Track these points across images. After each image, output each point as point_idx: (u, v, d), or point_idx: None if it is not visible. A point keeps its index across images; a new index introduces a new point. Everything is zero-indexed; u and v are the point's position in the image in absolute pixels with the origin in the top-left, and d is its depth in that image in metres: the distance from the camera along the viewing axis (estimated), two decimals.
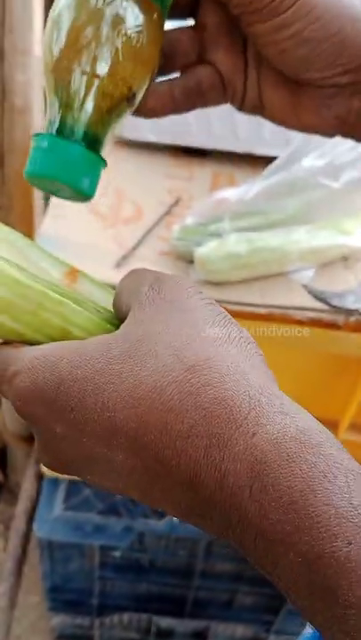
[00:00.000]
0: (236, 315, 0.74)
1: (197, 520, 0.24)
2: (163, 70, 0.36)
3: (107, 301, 0.34)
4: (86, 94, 0.31)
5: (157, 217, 0.83)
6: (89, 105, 0.31)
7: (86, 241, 0.78)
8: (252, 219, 0.74)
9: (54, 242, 0.77)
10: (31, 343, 0.30)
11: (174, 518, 0.94)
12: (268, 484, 0.21)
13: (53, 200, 0.85)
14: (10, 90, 0.86)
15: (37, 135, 0.32)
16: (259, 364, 0.25)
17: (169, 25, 0.35)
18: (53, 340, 0.30)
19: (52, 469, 0.29)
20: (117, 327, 0.30)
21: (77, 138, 0.31)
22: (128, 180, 0.89)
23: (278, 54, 0.32)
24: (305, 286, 0.74)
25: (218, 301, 0.84)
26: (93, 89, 0.31)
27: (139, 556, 1.00)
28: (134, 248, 0.78)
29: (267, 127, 0.92)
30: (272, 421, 0.22)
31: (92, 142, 0.32)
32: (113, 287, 0.33)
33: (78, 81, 0.31)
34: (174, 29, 0.36)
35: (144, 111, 0.36)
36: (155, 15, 0.32)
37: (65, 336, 0.30)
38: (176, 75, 0.37)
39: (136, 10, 0.31)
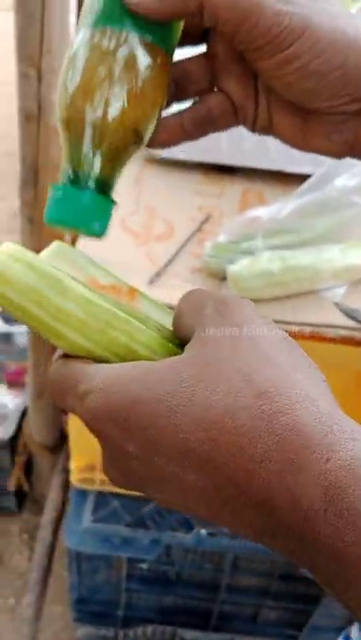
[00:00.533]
0: None
1: (269, 541, 0.25)
2: (175, 99, 0.37)
3: (164, 320, 0.36)
4: (94, 144, 0.33)
5: (189, 234, 0.85)
6: (97, 153, 0.33)
7: (120, 258, 0.80)
8: (285, 237, 0.75)
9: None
10: (97, 359, 0.31)
11: (202, 532, 0.95)
12: (343, 507, 0.22)
13: None
14: (46, 108, 0.88)
15: (54, 186, 0.34)
16: (325, 390, 0.26)
17: (181, 53, 0.36)
18: (119, 356, 0.31)
19: (119, 486, 0.30)
20: (178, 346, 0.31)
21: (89, 185, 0.33)
22: (159, 197, 0.91)
23: (285, 87, 0.33)
24: (336, 304, 0.74)
25: None
26: (100, 138, 0.33)
27: (165, 568, 1.00)
28: (167, 265, 0.80)
29: None
30: (344, 447, 0.23)
31: (103, 186, 0.34)
32: (170, 307, 0.35)
33: (86, 130, 0.33)
34: (186, 59, 0.37)
35: (155, 144, 0.37)
36: (159, 59, 0.33)
37: (130, 354, 0.31)
38: (187, 103, 0.38)
39: (141, 55, 0.33)
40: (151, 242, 0.83)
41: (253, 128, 0.38)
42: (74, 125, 0.33)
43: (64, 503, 1.32)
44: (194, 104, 0.37)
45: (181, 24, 0.35)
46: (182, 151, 0.94)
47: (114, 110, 0.32)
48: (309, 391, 0.25)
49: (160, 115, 0.35)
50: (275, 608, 1.06)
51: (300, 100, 0.34)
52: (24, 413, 1.43)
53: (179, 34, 0.35)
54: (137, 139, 0.34)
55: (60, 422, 1.34)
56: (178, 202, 0.90)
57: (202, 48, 0.37)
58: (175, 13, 0.32)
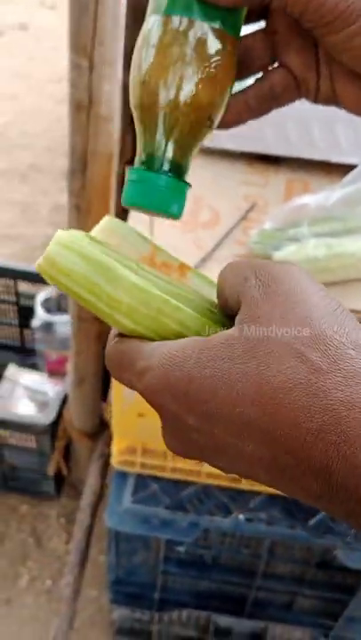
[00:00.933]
0: None
1: (326, 504, 0.26)
2: (238, 76, 0.38)
3: (214, 296, 0.36)
4: (168, 128, 0.34)
5: (234, 221, 0.86)
6: (171, 137, 0.34)
7: (167, 244, 0.81)
8: (331, 225, 0.75)
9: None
10: (150, 340, 0.32)
11: (240, 517, 0.96)
12: None
13: None
14: (96, 99, 0.90)
15: (130, 169, 0.36)
16: None
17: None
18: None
19: (179, 454, 0.31)
20: (229, 323, 0.31)
21: (164, 168, 0.35)
22: (205, 186, 0.92)
23: (352, 59, 0.34)
24: None
25: None
26: (173, 122, 0.34)
27: (202, 552, 1.02)
28: (213, 251, 0.81)
29: (343, 135, 0.93)
30: None
31: (178, 168, 0.35)
32: None
33: (160, 115, 0.34)
34: (246, 35, 0.38)
35: (222, 125, 0.38)
36: (228, 45, 0.34)
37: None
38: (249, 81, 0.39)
39: (211, 41, 0.34)
40: (198, 229, 0.85)
41: (316, 99, 0.38)
42: (148, 110, 0.34)
43: (102, 488, 1.35)
44: (256, 81, 0.38)
45: (246, 8, 0.36)
46: (229, 141, 0.95)
47: (186, 95, 0.33)
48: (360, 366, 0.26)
49: (229, 98, 0.36)
50: (310, 597, 1.07)
51: None
52: (64, 400, 1.46)
53: (243, 16, 0.36)
54: (209, 122, 0.35)
55: (99, 409, 1.37)
56: (223, 191, 0.92)
57: (260, 24, 0.38)
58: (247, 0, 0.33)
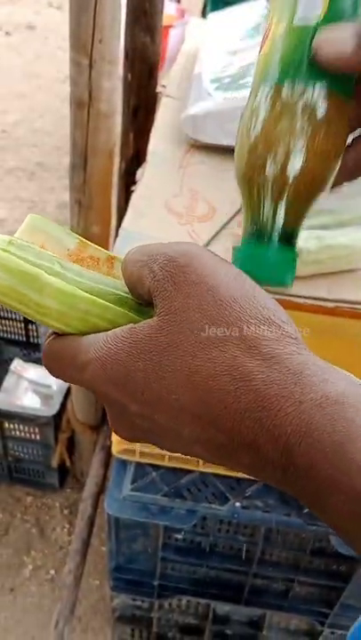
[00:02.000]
0: (303, 308, 0.78)
1: (259, 474, 0.29)
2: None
3: None
4: (278, 199, 0.33)
5: (230, 215, 0.88)
6: (281, 207, 0.34)
7: (163, 236, 0.84)
8: (323, 217, 0.77)
9: (135, 236, 0.83)
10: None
11: (236, 504, 0.98)
12: (315, 439, 0.26)
13: (133, 200, 0.91)
14: (96, 96, 0.93)
15: (244, 242, 0.35)
16: (291, 329, 0.29)
17: None
18: None
19: (126, 439, 0.34)
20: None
21: (273, 240, 0.34)
22: (203, 181, 0.95)
23: None
24: None
25: (287, 295, 0.87)
26: (285, 192, 0.33)
27: (200, 539, 1.04)
28: (208, 243, 0.83)
29: None
30: (315, 389, 0.27)
31: (288, 236, 0.35)
32: None
33: (269, 189, 0.33)
34: None
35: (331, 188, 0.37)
36: (341, 110, 0.33)
37: None
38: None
39: (325, 108, 0.32)
40: (194, 222, 0.87)
41: None
42: (255, 184, 0.33)
43: (104, 479, 1.38)
44: (353, 142, 0.37)
45: None
46: (225, 137, 0.97)
47: (298, 164, 0.32)
48: (278, 341, 0.28)
49: (340, 162, 0.35)
50: (306, 584, 1.09)
51: None
52: (68, 393, 1.49)
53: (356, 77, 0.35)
54: (322, 187, 0.34)
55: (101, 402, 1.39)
56: (219, 185, 0.94)
57: None
58: None
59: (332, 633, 1.15)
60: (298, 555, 1.04)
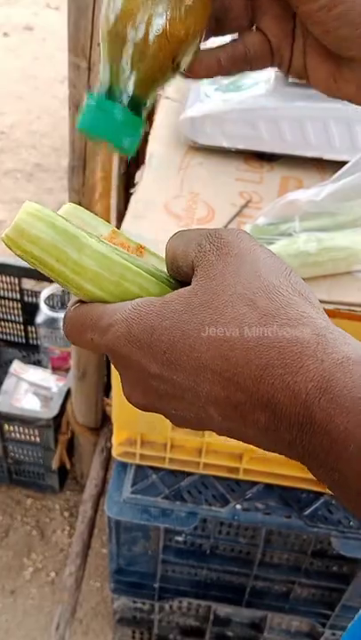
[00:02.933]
0: None
1: (273, 435, 0.29)
2: (214, 33, 0.38)
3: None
4: (132, 63, 0.34)
5: (229, 217, 0.88)
6: (134, 72, 0.34)
7: (163, 238, 0.83)
8: (322, 220, 0.77)
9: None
10: None
11: (237, 506, 0.98)
12: (335, 395, 0.26)
13: (133, 202, 0.91)
14: None
15: (90, 94, 0.36)
16: (318, 307, 0.30)
17: None
18: None
19: (139, 406, 0.34)
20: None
21: (122, 101, 0.35)
22: (202, 183, 0.95)
23: (323, 33, 0.35)
24: None
25: None
26: (138, 58, 0.34)
27: (201, 541, 1.04)
28: None
29: (336, 134, 0.95)
30: (337, 350, 0.27)
31: (137, 104, 0.35)
32: None
33: (127, 47, 0.34)
34: None
35: (190, 74, 0.38)
36: None
37: None
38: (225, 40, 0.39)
39: None
40: (193, 224, 0.87)
41: (288, 71, 0.39)
42: (115, 41, 0.34)
43: (104, 482, 1.38)
44: (232, 41, 0.39)
45: None
46: (225, 139, 0.97)
47: (154, 32, 0.33)
48: (305, 309, 0.29)
49: (198, 45, 0.36)
50: (307, 586, 1.09)
51: (335, 46, 0.35)
52: (67, 395, 1.49)
53: None
54: (174, 64, 0.35)
55: (101, 404, 1.39)
56: (219, 187, 0.94)
57: None
58: None
59: (334, 634, 1.15)
60: (299, 556, 1.04)
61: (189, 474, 1.03)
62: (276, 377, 0.28)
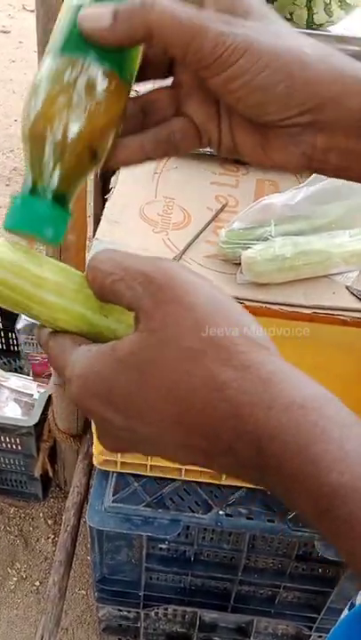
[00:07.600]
0: (281, 315, 0.78)
1: (240, 473, 0.32)
2: (143, 127, 0.39)
3: None
4: (52, 160, 0.36)
5: (205, 222, 0.88)
6: (55, 169, 0.36)
7: (139, 245, 0.83)
8: (298, 223, 0.77)
9: (109, 245, 0.81)
10: (76, 318, 0.36)
11: (220, 512, 0.98)
12: (282, 441, 0.29)
13: (108, 207, 0.90)
14: None
15: (13, 196, 0.38)
16: (270, 350, 0.32)
17: (150, 85, 0.40)
18: (93, 309, 0.36)
19: (113, 451, 0.36)
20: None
21: (46, 197, 0.36)
22: (177, 187, 0.94)
23: (236, 102, 0.35)
24: (348, 288, 0.77)
25: (263, 302, 0.87)
26: (58, 155, 0.36)
27: (184, 548, 1.03)
28: (183, 251, 0.82)
29: None
30: (283, 395, 0.29)
31: (60, 198, 0.37)
32: None
33: (46, 146, 0.36)
34: (154, 90, 0.40)
35: (113, 163, 0.39)
36: (113, 84, 0.36)
37: (101, 307, 0.36)
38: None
39: (97, 80, 0.35)
40: (169, 229, 0.86)
41: (219, 149, 0.40)
42: (35, 143, 0.36)
43: (87, 488, 1.36)
44: (156, 126, 0.39)
45: (139, 52, 0.37)
46: None
47: (71, 132, 0.35)
48: (250, 355, 0.31)
49: (117, 136, 0.38)
50: (292, 589, 1.09)
51: (251, 113, 0.36)
52: (49, 401, 1.47)
53: (137, 62, 0.37)
54: (93, 157, 0.37)
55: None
56: (195, 191, 0.93)
57: (169, 81, 0.40)
58: (127, 38, 0.34)
59: (320, 637, 1.15)
60: (283, 560, 1.03)
61: (171, 481, 1.02)
62: (231, 427, 0.30)
